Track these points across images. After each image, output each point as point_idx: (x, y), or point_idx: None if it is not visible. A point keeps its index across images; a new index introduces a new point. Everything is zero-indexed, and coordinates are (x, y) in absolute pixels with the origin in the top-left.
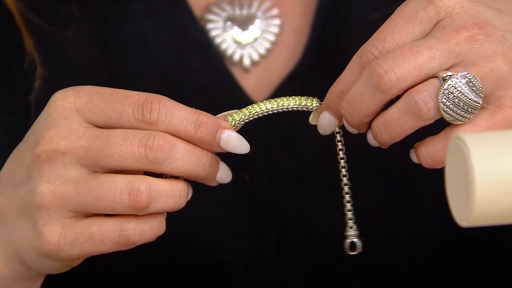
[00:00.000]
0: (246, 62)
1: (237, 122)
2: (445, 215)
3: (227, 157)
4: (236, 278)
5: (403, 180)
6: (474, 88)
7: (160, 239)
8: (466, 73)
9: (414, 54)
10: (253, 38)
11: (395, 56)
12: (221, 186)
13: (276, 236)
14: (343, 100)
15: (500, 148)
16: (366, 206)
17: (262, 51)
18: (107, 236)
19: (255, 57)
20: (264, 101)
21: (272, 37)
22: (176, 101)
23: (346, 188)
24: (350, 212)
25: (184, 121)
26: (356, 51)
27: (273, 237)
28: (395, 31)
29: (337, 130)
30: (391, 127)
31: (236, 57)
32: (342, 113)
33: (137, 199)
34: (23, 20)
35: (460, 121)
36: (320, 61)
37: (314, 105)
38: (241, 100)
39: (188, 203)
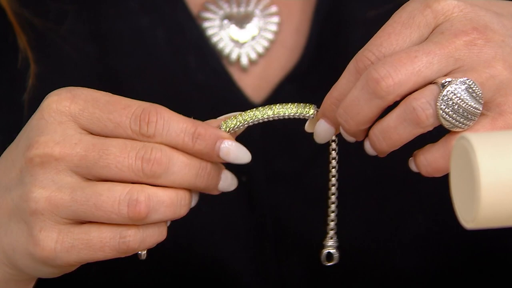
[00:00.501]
0: (244, 61)
1: (230, 129)
2: (445, 220)
3: None
4: (235, 279)
5: (402, 186)
6: (474, 95)
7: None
8: (465, 79)
9: (412, 59)
10: (250, 37)
11: (392, 61)
12: None
13: (274, 237)
14: (339, 106)
15: (506, 148)
16: (364, 211)
17: (260, 50)
18: (107, 243)
19: (253, 56)
20: (260, 108)
21: (270, 36)
22: (174, 100)
23: (333, 198)
24: (333, 222)
25: (181, 134)
26: (357, 49)
27: (271, 238)
28: (391, 36)
29: (333, 138)
30: (389, 135)
31: (234, 56)
32: (339, 120)
33: (136, 209)
34: (16, 16)
35: (460, 128)
36: (319, 60)
37: (311, 112)
38: (239, 100)
39: None
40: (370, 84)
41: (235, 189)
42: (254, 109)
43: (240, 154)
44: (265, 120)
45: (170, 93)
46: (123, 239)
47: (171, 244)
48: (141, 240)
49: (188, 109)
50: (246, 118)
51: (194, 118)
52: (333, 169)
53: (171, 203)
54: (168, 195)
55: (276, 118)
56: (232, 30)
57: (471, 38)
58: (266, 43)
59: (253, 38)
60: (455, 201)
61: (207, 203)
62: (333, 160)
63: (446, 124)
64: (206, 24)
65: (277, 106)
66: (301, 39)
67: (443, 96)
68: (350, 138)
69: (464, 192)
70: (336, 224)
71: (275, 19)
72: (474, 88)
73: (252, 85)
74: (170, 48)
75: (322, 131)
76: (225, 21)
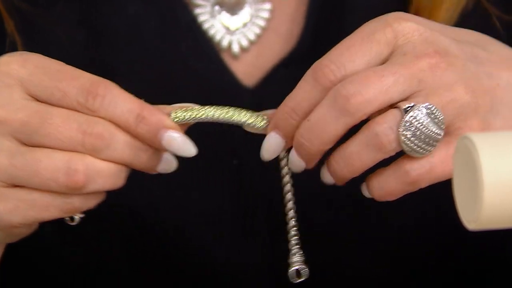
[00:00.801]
0: (235, 48)
1: (180, 119)
2: (431, 217)
3: (215, 140)
4: (224, 264)
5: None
6: (436, 120)
7: (145, 224)
8: (427, 104)
9: (379, 78)
10: (242, 24)
11: (361, 79)
12: (209, 171)
13: (265, 222)
14: (301, 127)
15: (510, 148)
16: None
17: (252, 37)
18: (51, 202)
19: (245, 43)
20: (213, 107)
21: (262, 23)
22: (166, 87)
23: (291, 213)
24: (295, 238)
25: (126, 113)
26: None
27: (262, 222)
28: (351, 49)
29: (284, 154)
30: (351, 161)
31: (225, 43)
32: (299, 141)
33: (74, 179)
34: (2, 1)
35: (420, 153)
36: (315, 48)
37: (262, 124)
38: (232, 85)
39: (176, 188)
40: (339, 101)
41: (226, 173)
42: (208, 106)
43: (184, 147)
44: (215, 120)
45: (163, 79)
46: (68, 198)
47: (159, 227)
48: (85, 200)
49: (181, 95)
50: (197, 114)
51: (146, 100)
52: (288, 184)
53: (110, 174)
54: (106, 166)
55: (226, 121)
56: (223, 17)
57: (434, 61)
58: (258, 30)
59: (245, 25)
60: (458, 201)
61: (196, 187)
62: (287, 175)
63: (406, 149)
64: (197, 11)
65: (231, 110)
66: (296, 27)
67: (405, 121)
68: (300, 165)
69: (466, 192)
70: (299, 239)
71: (267, 5)
72: (436, 114)
73: (244, 72)
74: (162, 35)
75: (273, 144)
76: (216, 8)
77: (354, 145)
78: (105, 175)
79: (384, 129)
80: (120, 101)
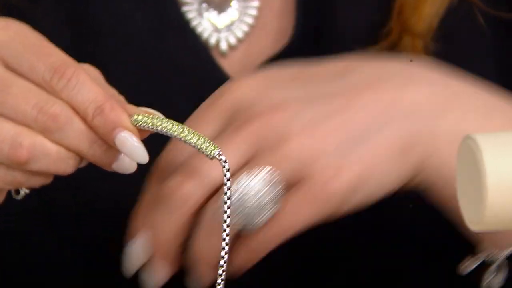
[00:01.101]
0: (223, 46)
1: (138, 123)
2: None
3: None
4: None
5: None
6: (267, 181)
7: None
8: (255, 172)
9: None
10: (229, 21)
11: (182, 170)
12: None
13: None
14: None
15: None
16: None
17: (240, 34)
18: None
19: (232, 41)
20: (175, 122)
21: (250, 20)
22: (157, 84)
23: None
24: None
25: (87, 102)
26: (345, 30)
27: None
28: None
29: (227, 177)
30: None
31: (212, 41)
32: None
33: (16, 153)
34: None
35: (260, 220)
36: (305, 44)
37: (211, 153)
38: (223, 82)
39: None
40: (163, 199)
41: None
42: (169, 120)
43: (135, 151)
44: (171, 136)
45: (153, 77)
46: (11, 170)
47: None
48: (28, 176)
49: (172, 92)
50: (156, 123)
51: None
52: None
53: (57, 158)
54: (55, 149)
55: (181, 140)
56: (211, 15)
57: (262, 122)
58: (245, 28)
59: (232, 23)
60: (461, 203)
61: None
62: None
63: (235, 228)
64: (184, 8)
65: (186, 130)
66: (284, 23)
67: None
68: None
69: (470, 193)
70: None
71: (255, 3)
72: (267, 176)
73: (232, 70)
74: (152, 32)
75: (136, 252)
76: (203, 5)
77: (198, 235)
78: (51, 157)
79: (212, 213)
80: (84, 88)
